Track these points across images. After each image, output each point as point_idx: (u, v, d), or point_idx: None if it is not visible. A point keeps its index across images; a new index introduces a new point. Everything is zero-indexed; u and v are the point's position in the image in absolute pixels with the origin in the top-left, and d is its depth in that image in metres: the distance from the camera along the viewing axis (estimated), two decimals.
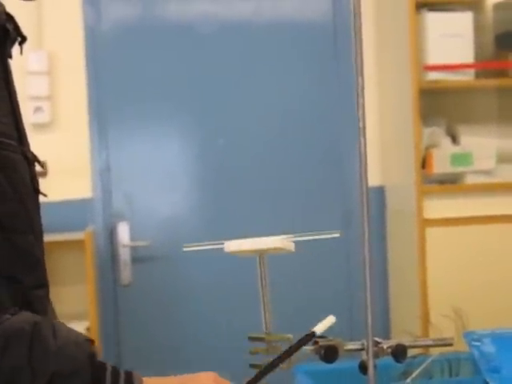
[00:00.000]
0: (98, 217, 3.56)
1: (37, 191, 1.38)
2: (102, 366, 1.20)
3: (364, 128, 1.35)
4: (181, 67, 3.61)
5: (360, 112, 1.33)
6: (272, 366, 1.31)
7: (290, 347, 1.33)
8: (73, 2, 3.52)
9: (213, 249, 1.44)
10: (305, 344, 1.34)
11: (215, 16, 3.65)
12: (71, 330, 1.23)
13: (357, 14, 1.33)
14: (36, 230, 1.33)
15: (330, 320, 1.36)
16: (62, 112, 3.52)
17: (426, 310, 3.27)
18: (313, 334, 1.34)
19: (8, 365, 1.12)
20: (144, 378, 1.24)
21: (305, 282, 3.70)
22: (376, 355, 1.34)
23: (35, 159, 1.40)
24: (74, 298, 3.46)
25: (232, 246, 1.36)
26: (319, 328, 1.35)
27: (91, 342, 1.23)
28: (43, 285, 1.34)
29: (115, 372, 1.21)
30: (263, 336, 1.38)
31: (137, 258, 3.59)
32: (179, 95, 3.63)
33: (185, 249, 1.41)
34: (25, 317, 1.19)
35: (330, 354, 1.36)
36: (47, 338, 1.17)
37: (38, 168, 1.41)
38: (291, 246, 1.39)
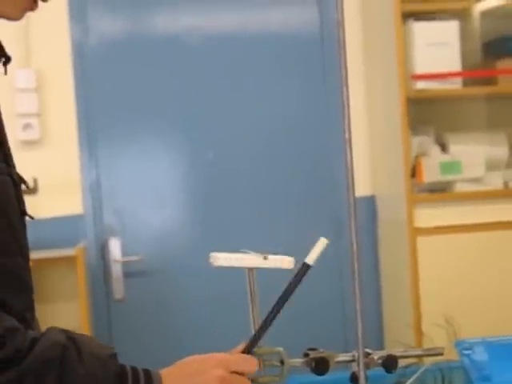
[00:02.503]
0: (89, 233, 3.55)
1: (23, 213, 1.35)
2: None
3: (350, 139, 1.35)
4: (169, 81, 3.61)
5: (346, 122, 1.33)
6: (272, 314, 1.32)
7: (285, 290, 1.30)
8: (60, 19, 3.51)
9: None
10: (301, 278, 1.35)
11: (202, 29, 3.66)
12: (94, 346, 1.24)
13: (341, 24, 1.33)
14: (24, 252, 1.31)
15: (321, 243, 1.31)
16: (51, 129, 3.51)
17: (419, 319, 3.27)
18: (307, 266, 1.32)
19: None
20: (162, 375, 1.30)
21: (296, 293, 3.68)
22: (367, 366, 1.35)
23: (21, 180, 1.37)
24: (66, 314, 3.45)
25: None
26: (312, 257, 1.32)
27: (114, 355, 1.24)
28: (31, 307, 1.32)
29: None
30: (254, 349, 1.38)
31: (129, 273, 3.59)
32: (168, 109, 3.63)
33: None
34: (52, 339, 1.20)
35: (320, 366, 1.36)
36: (75, 363, 1.17)
37: (23, 188, 1.37)
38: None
